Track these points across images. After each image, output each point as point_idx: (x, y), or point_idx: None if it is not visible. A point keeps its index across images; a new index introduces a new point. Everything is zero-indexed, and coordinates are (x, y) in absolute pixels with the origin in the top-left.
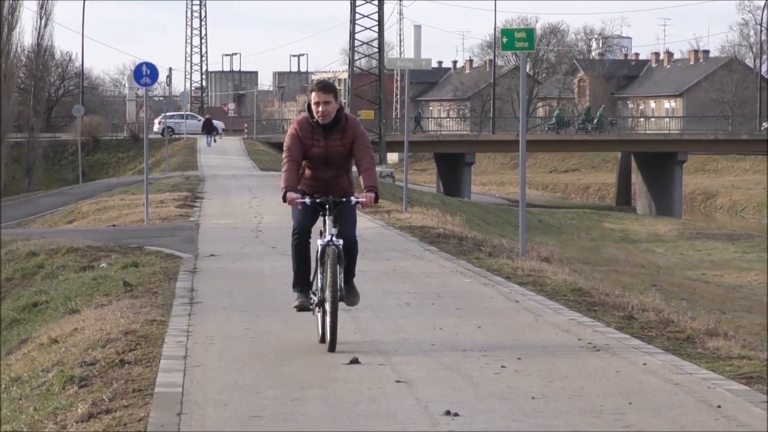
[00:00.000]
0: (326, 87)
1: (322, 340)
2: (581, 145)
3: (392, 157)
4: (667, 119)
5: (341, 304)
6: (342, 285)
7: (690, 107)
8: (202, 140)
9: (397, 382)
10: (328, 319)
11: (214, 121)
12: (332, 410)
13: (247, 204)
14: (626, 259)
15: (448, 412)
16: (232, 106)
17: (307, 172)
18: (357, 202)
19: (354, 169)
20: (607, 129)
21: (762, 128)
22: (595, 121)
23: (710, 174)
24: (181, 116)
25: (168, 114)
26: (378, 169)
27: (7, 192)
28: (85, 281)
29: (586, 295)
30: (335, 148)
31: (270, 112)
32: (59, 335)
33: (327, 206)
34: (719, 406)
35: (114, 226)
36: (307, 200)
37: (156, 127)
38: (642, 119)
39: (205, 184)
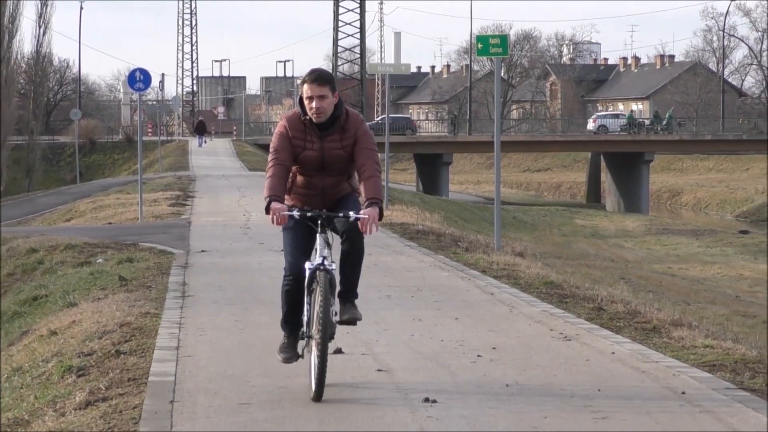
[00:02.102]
0: (321, 78)
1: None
2: (553, 146)
3: None
4: None
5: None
6: (336, 311)
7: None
8: (193, 142)
9: (379, 370)
10: (314, 360)
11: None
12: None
13: (236, 202)
14: (596, 253)
15: (426, 399)
16: (221, 109)
17: (299, 179)
18: (356, 219)
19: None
20: (675, 129)
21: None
22: (665, 122)
23: (676, 173)
24: None
25: None
26: None
27: (7, 192)
28: (83, 276)
29: (558, 287)
30: (333, 150)
31: (257, 115)
32: (58, 327)
33: (319, 222)
34: (684, 393)
35: (110, 223)
36: (296, 213)
37: None
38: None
39: (196, 183)
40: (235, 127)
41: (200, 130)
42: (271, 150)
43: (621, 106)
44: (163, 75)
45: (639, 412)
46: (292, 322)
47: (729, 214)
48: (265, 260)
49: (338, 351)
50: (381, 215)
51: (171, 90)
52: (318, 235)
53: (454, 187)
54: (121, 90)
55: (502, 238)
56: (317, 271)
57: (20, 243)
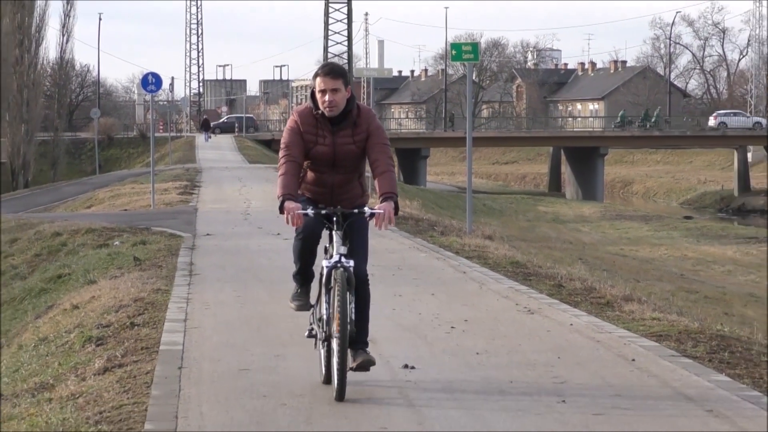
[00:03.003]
0: (334, 71)
1: (327, 380)
2: (519, 141)
3: None
4: (591, 119)
5: None
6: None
7: (610, 109)
8: (200, 137)
9: None
10: (335, 359)
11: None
12: (308, 364)
13: (237, 192)
14: (557, 236)
15: (406, 366)
16: (224, 109)
17: (309, 175)
18: (372, 215)
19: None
20: (662, 127)
21: (614, 125)
22: (653, 119)
23: (627, 165)
24: None
25: None
26: None
27: (35, 182)
28: (101, 257)
29: (523, 267)
30: (345, 146)
31: (257, 114)
32: (79, 302)
33: (335, 219)
34: (633, 360)
35: (125, 210)
36: (311, 211)
37: None
38: (570, 119)
39: (202, 175)
40: (236, 125)
41: (206, 126)
42: (282, 145)
43: (579, 106)
44: (172, 78)
45: (594, 377)
46: (303, 274)
47: (674, 201)
48: (263, 243)
49: None
50: (396, 209)
51: (180, 91)
52: (334, 232)
53: (431, 177)
54: (136, 91)
55: (473, 223)
56: (335, 269)
57: (46, 227)
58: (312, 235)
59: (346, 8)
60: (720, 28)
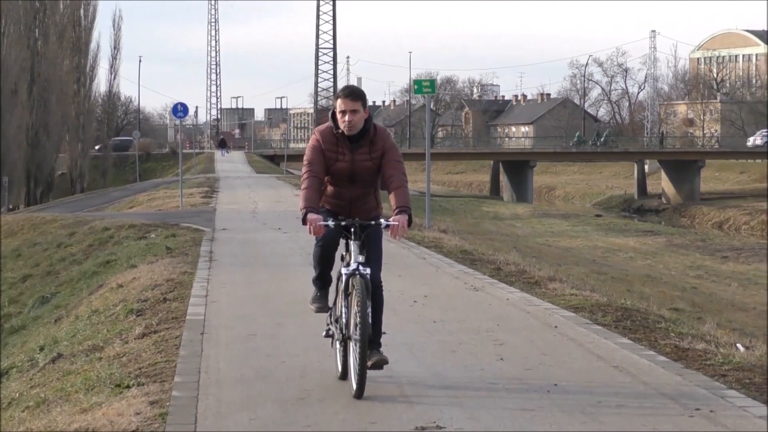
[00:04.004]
0: (354, 93)
1: (343, 376)
2: (466, 156)
3: None
4: (523, 139)
5: None
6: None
7: (538, 131)
8: (217, 153)
9: None
10: (354, 360)
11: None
12: (303, 331)
13: (247, 196)
14: (496, 230)
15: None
16: (237, 131)
17: (329, 188)
18: (387, 226)
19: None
20: (611, 145)
21: (571, 143)
22: (602, 139)
23: (551, 174)
24: None
25: None
26: None
27: (89, 188)
28: (141, 246)
29: (470, 254)
30: (362, 162)
31: (262, 135)
32: (123, 282)
33: (353, 230)
34: (556, 327)
35: (160, 210)
36: (331, 223)
37: None
38: (506, 139)
39: (219, 182)
40: (246, 143)
41: (222, 144)
42: (305, 162)
43: (513, 129)
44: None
45: (525, 340)
46: (322, 278)
47: (588, 203)
48: (267, 236)
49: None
50: (410, 221)
51: (202, 117)
52: (352, 242)
53: None
54: (168, 117)
55: (431, 219)
56: (352, 277)
57: (97, 223)
58: (331, 243)
59: (332, 53)
60: (623, 67)
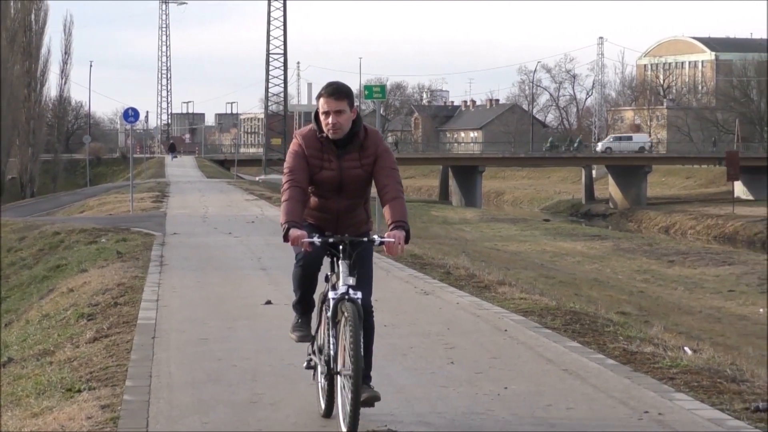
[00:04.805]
0: (339, 91)
1: (327, 414)
2: (416, 161)
3: None
4: (472, 144)
5: None
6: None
7: (487, 136)
8: (167, 158)
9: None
10: (344, 400)
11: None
12: (255, 334)
13: (198, 200)
14: (445, 234)
15: None
16: (188, 136)
17: (313, 200)
18: (381, 243)
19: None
20: (582, 150)
21: (544, 148)
22: (575, 144)
23: (500, 179)
24: None
25: None
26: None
27: (39, 193)
28: (91, 251)
29: (420, 258)
30: (351, 170)
31: (212, 140)
32: (74, 286)
33: (342, 247)
34: (506, 330)
35: (110, 214)
36: (317, 239)
37: None
38: (455, 144)
39: (170, 187)
40: (197, 148)
41: (172, 149)
42: (285, 170)
43: (462, 134)
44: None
45: (475, 344)
46: (304, 303)
47: (536, 207)
48: (217, 240)
49: (269, 302)
50: (408, 237)
51: (153, 122)
52: (341, 261)
53: None
54: (118, 122)
55: (381, 224)
56: (341, 302)
57: (47, 228)
58: (314, 263)
59: (283, 58)
60: (571, 74)
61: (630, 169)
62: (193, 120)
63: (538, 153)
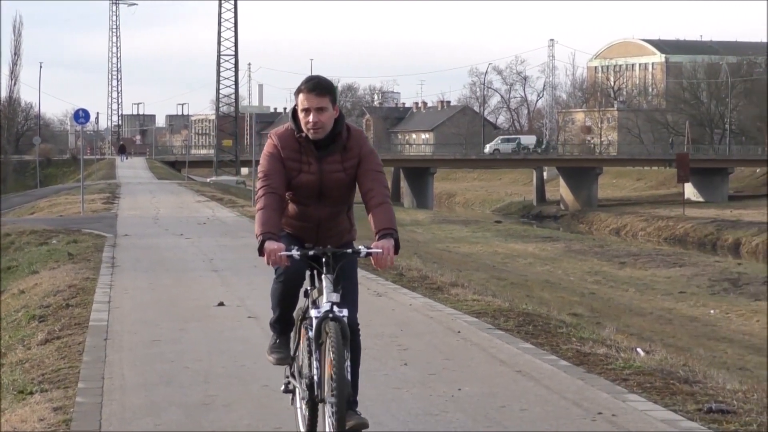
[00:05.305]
0: (320, 86)
1: None
2: None
3: (244, 170)
4: (423, 146)
5: None
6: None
7: (438, 138)
8: (118, 159)
9: (249, 317)
10: (326, 427)
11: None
12: (207, 335)
13: (149, 201)
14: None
15: None
16: (138, 137)
17: (291, 207)
18: (368, 254)
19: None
20: (551, 151)
21: (512, 149)
22: (543, 146)
23: (451, 181)
24: None
25: None
26: (233, 177)
27: None
28: (42, 252)
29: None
30: (333, 174)
31: (163, 141)
32: (25, 288)
33: (324, 260)
34: (459, 332)
35: (61, 216)
36: (296, 252)
37: None
38: (407, 146)
39: (121, 188)
40: (147, 149)
41: (122, 150)
42: (260, 174)
43: (414, 136)
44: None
45: (429, 345)
46: (283, 321)
47: (488, 209)
48: (169, 241)
49: (221, 304)
50: (397, 248)
51: (103, 123)
52: (324, 276)
53: None
54: (69, 123)
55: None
56: (326, 321)
57: None
58: (295, 278)
59: (234, 59)
60: (522, 76)
61: (581, 171)
62: (144, 121)
63: (489, 155)
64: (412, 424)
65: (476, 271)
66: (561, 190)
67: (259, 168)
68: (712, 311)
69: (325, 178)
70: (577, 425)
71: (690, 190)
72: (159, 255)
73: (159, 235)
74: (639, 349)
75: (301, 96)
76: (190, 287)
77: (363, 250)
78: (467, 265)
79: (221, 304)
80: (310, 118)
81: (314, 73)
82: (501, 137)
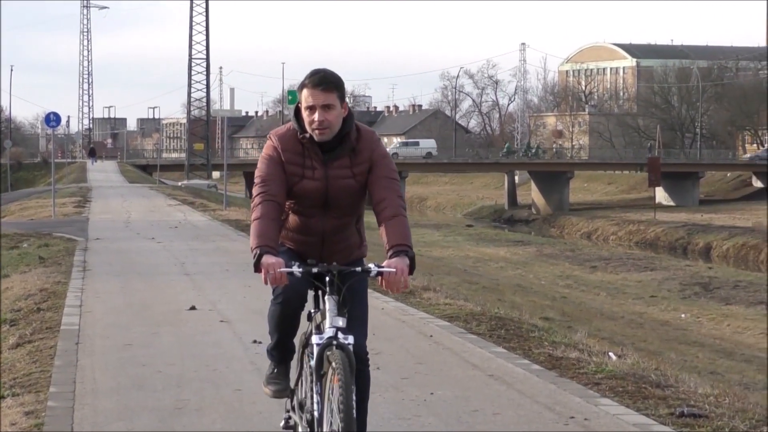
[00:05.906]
0: (327, 80)
1: None
2: None
3: (215, 174)
4: (395, 149)
5: None
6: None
7: None
8: (89, 162)
9: (221, 321)
10: None
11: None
12: (179, 340)
13: (120, 205)
14: (369, 241)
15: (254, 341)
16: (110, 140)
17: (292, 218)
18: (379, 274)
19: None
20: (540, 156)
21: (501, 154)
22: (533, 151)
23: (423, 185)
24: None
25: None
26: (205, 181)
27: None
28: (13, 256)
29: None
30: (341, 180)
31: (135, 145)
32: None
33: (328, 279)
34: (431, 336)
35: (32, 219)
36: (297, 270)
37: None
38: None
39: (92, 192)
40: (119, 153)
41: (92, 153)
42: (257, 180)
43: (386, 140)
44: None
45: (401, 349)
46: (282, 348)
47: (459, 213)
48: (140, 245)
49: (193, 308)
50: (413, 267)
51: (74, 127)
52: (327, 297)
53: None
54: (40, 127)
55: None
56: (329, 348)
57: None
58: (296, 298)
59: (205, 63)
60: (494, 80)
61: (552, 175)
62: (115, 125)
63: (461, 159)
64: (385, 429)
65: (448, 275)
66: (533, 194)
67: (257, 172)
68: (683, 315)
69: (331, 185)
70: (549, 429)
71: (661, 195)
72: (130, 259)
73: (130, 238)
74: (611, 354)
75: (305, 92)
76: (162, 291)
77: (374, 268)
78: (439, 269)
79: (193, 308)
80: (315, 116)
81: (285, 78)
82: (400, 141)
